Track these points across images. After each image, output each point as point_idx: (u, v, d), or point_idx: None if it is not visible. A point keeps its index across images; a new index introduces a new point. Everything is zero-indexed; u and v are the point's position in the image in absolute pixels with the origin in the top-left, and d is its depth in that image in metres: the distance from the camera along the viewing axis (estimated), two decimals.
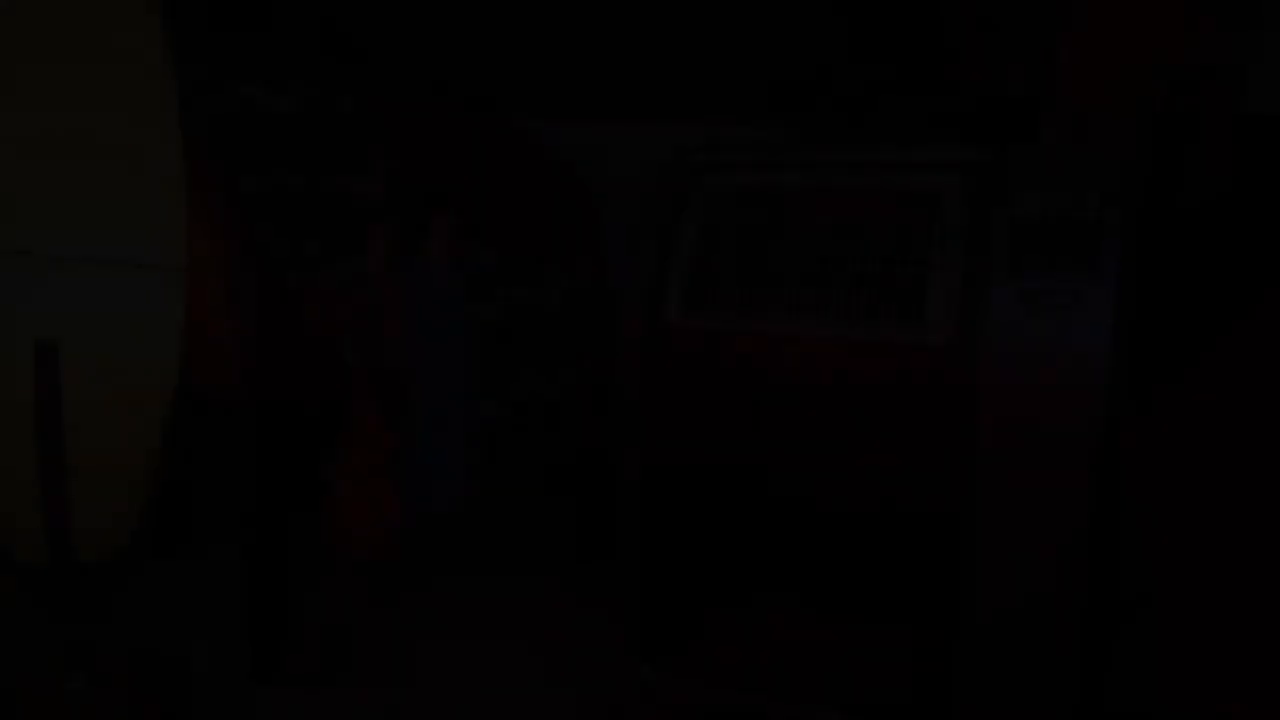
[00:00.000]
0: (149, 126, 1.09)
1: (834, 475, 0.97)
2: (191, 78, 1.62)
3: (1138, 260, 0.91)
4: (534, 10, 2.00)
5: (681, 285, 1.03)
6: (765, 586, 1.03)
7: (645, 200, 1.09)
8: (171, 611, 1.49)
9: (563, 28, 2.00)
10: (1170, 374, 0.77)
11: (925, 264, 0.95)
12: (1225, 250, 1.66)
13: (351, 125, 1.80)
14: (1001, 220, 0.94)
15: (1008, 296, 0.91)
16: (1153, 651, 0.71)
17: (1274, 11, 1.60)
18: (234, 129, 1.65)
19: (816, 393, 0.97)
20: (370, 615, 1.49)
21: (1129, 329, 0.88)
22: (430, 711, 1.24)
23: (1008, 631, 0.93)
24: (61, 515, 1.09)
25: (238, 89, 1.69)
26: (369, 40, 1.95)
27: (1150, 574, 0.72)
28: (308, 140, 1.74)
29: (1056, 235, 0.92)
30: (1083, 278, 0.89)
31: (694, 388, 1.02)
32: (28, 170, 1.01)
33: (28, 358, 1.03)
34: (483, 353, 1.33)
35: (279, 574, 1.30)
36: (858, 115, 1.88)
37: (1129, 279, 0.89)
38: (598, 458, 1.52)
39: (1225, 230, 1.61)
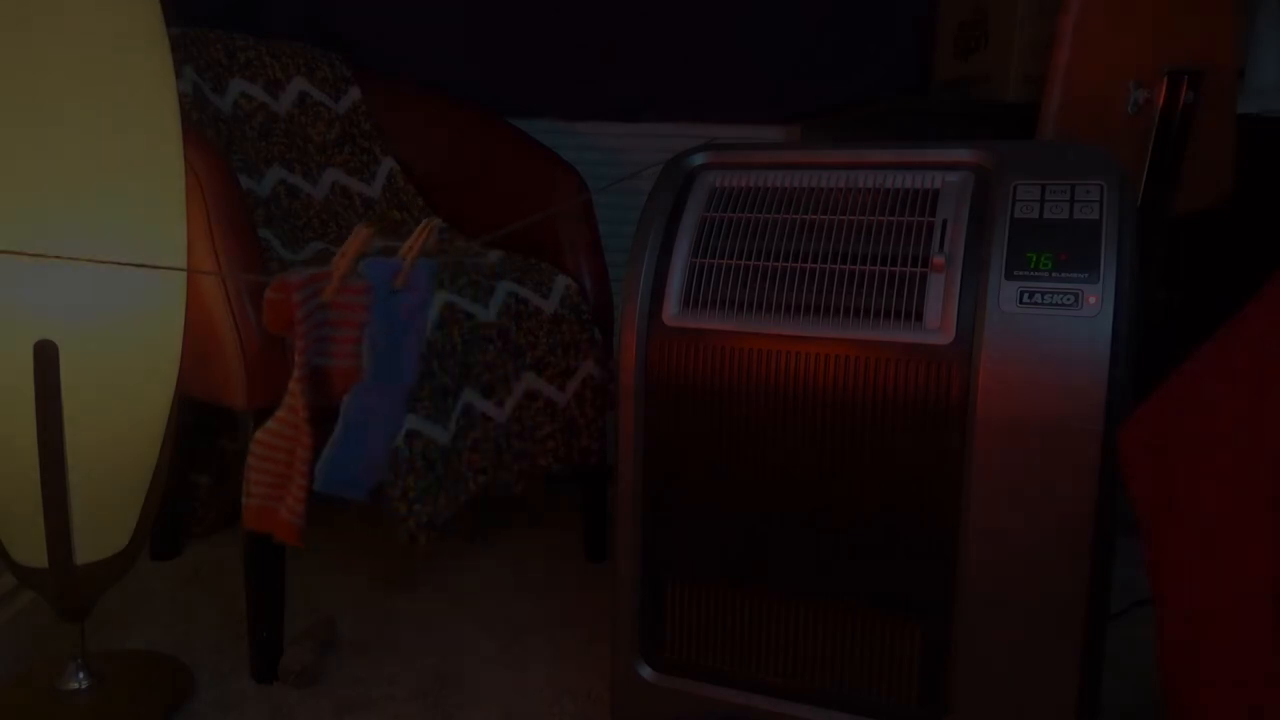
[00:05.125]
0: (148, 126, 1.10)
1: (834, 474, 0.98)
2: (191, 77, 1.62)
3: (1138, 260, 0.91)
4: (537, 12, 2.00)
5: (680, 285, 1.04)
6: (767, 585, 1.03)
7: (645, 200, 1.09)
8: (171, 611, 1.50)
9: (566, 31, 2.01)
10: (1170, 374, 0.77)
11: (925, 264, 0.95)
12: (1225, 250, 1.66)
13: (351, 124, 1.80)
14: (1002, 220, 0.94)
15: (1008, 296, 0.91)
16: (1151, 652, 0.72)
17: (1273, 11, 1.61)
18: (234, 129, 1.66)
19: (816, 392, 0.97)
20: (361, 613, 1.49)
21: (1129, 329, 0.88)
22: (428, 711, 1.24)
23: (1006, 631, 0.93)
24: (61, 515, 1.09)
25: (238, 89, 1.70)
26: (369, 39, 1.96)
27: (1149, 574, 0.72)
28: (307, 140, 1.75)
29: (1056, 235, 0.92)
30: (1083, 278, 0.89)
31: (693, 387, 1.02)
32: (26, 170, 1.01)
33: (27, 358, 1.03)
34: (480, 353, 1.33)
35: (278, 573, 1.30)
36: (857, 116, 1.88)
37: (1129, 279, 0.89)
38: (598, 457, 1.52)
39: (1225, 230, 1.62)
